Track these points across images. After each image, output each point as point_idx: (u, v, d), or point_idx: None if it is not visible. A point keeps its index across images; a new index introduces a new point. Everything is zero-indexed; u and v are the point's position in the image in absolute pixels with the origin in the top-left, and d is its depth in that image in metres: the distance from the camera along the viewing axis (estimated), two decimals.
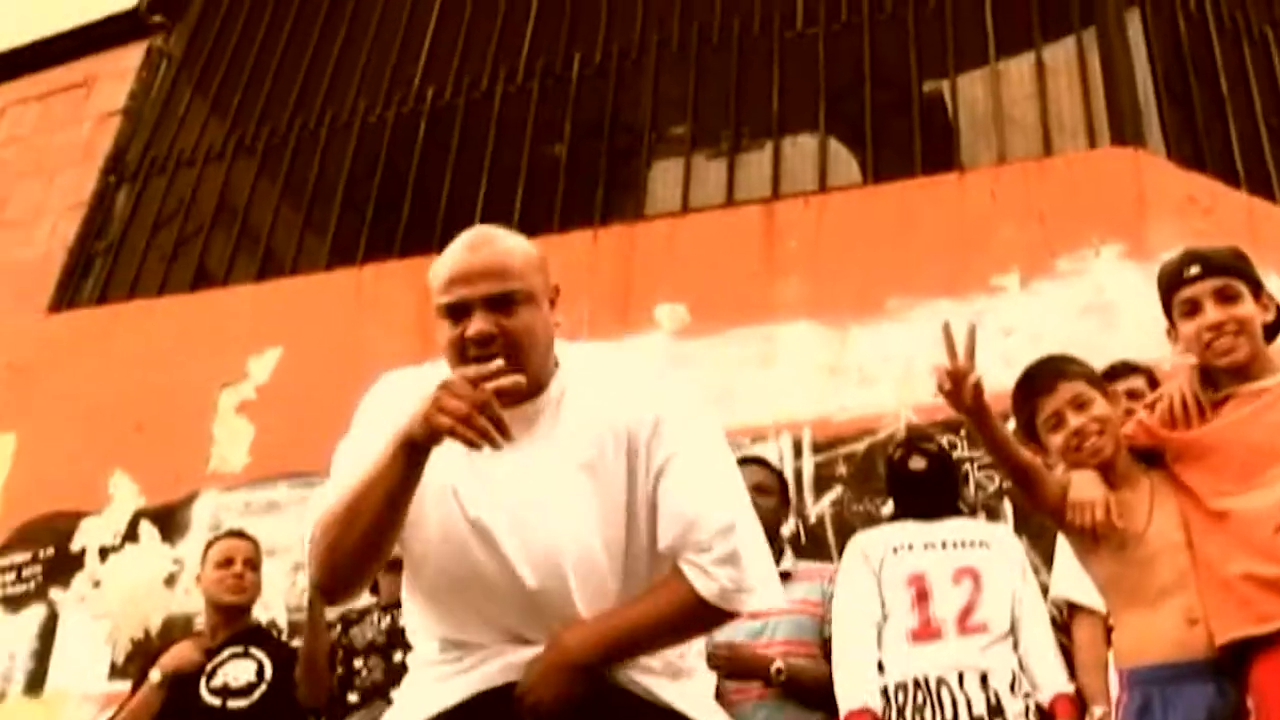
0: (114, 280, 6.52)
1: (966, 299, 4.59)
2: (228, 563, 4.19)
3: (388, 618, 4.13)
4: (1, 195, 7.22)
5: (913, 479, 3.83)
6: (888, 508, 4.26)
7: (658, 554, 1.98)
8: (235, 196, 6.54)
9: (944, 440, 4.09)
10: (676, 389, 2.11)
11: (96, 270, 6.64)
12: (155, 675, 4.02)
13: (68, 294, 6.56)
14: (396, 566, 4.18)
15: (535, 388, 1.98)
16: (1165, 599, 2.69)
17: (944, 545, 3.71)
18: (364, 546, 1.91)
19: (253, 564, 4.25)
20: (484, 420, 1.76)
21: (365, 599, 4.39)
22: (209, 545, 4.36)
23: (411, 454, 1.85)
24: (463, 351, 1.95)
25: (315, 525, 1.96)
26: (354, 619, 4.25)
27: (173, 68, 7.25)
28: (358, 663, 4.10)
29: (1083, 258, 4.60)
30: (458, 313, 1.97)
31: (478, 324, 1.94)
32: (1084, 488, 2.74)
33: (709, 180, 5.53)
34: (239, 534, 4.44)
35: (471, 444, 1.77)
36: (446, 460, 1.92)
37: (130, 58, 7.37)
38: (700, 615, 1.96)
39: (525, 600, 1.95)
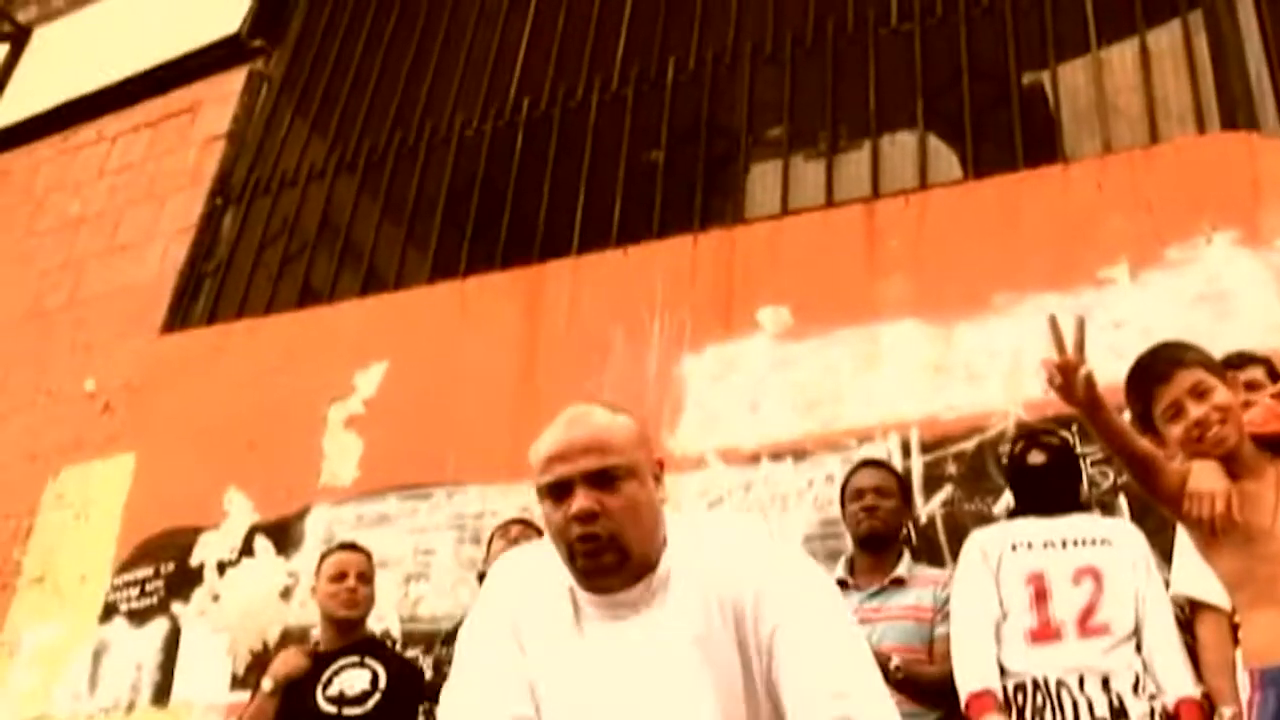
0: (223, 300, 6.68)
1: (1074, 292, 4.51)
2: (341, 577, 4.26)
3: None
4: (114, 220, 7.43)
5: (1032, 474, 3.79)
6: (1000, 506, 4.23)
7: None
8: (338, 214, 6.66)
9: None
10: (785, 556, 2.05)
11: (206, 291, 6.80)
12: (267, 684, 4.10)
13: (179, 315, 6.73)
14: None
15: (644, 567, 1.96)
16: None
17: (1064, 544, 3.65)
18: None
19: (365, 577, 4.31)
20: None
21: None
22: (323, 558, 4.43)
23: None
24: (567, 531, 1.93)
25: None
26: None
27: (273, 90, 7.41)
28: None
29: (1194, 246, 4.49)
30: (559, 492, 1.95)
31: (579, 501, 1.91)
32: (1204, 478, 2.66)
33: (808, 181, 5.51)
34: (351, 546, 4.51)
35: None
36: (558, 644, 1.94)
37: (233, 82, 7.55)
38: None
39: None
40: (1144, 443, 2.71)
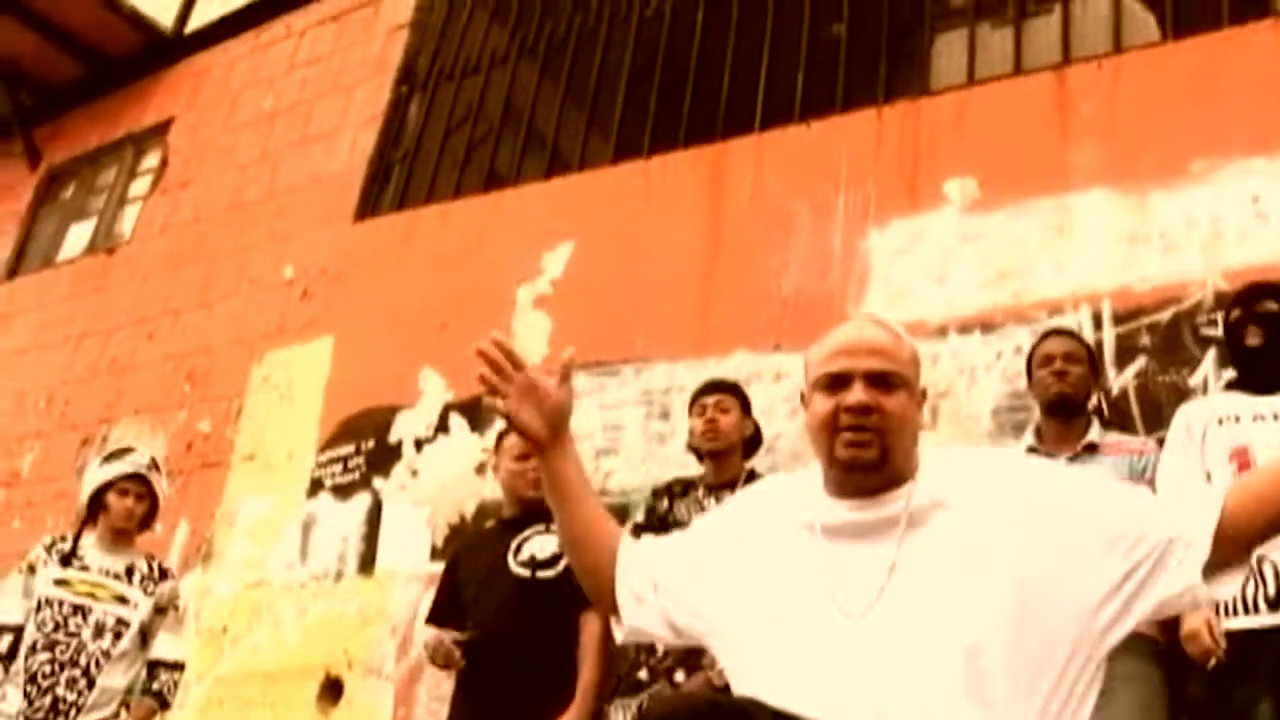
0: (411, 187, 6.93)
1: None
2: (525, 457, 4.35)
3: (712, 499, 4.21)
4: (306, 113, 7.74)
5: (1249, 353, 3.72)
6: (1197, 377, 4.17)
7: (1049, 637, 1.86)
8: (520, 99, 6.80)
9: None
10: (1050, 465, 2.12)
11: (395, 178, 7.06)
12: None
13: (370, 202, 7.01)
14: (718, 455, 4.34)
15: (899, 480, 1.99)
16: None
17: (1275, 417, 3.59)
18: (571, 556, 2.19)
19: None
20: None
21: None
22: (501, 436, 4.57)
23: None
24: (835, 421, 1.97)
25: None
26: (679, 493, 4.38)
27: None
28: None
29: None
30: (837, 383, 1.99)
31: (858, 394, 1.96)
32: None
33: (994, 49, 5.42)
34: None
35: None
36: (805, 551, 1.98)
37: None
38: None
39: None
40: None
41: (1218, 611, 3.41)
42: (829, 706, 1.78)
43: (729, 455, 4.34)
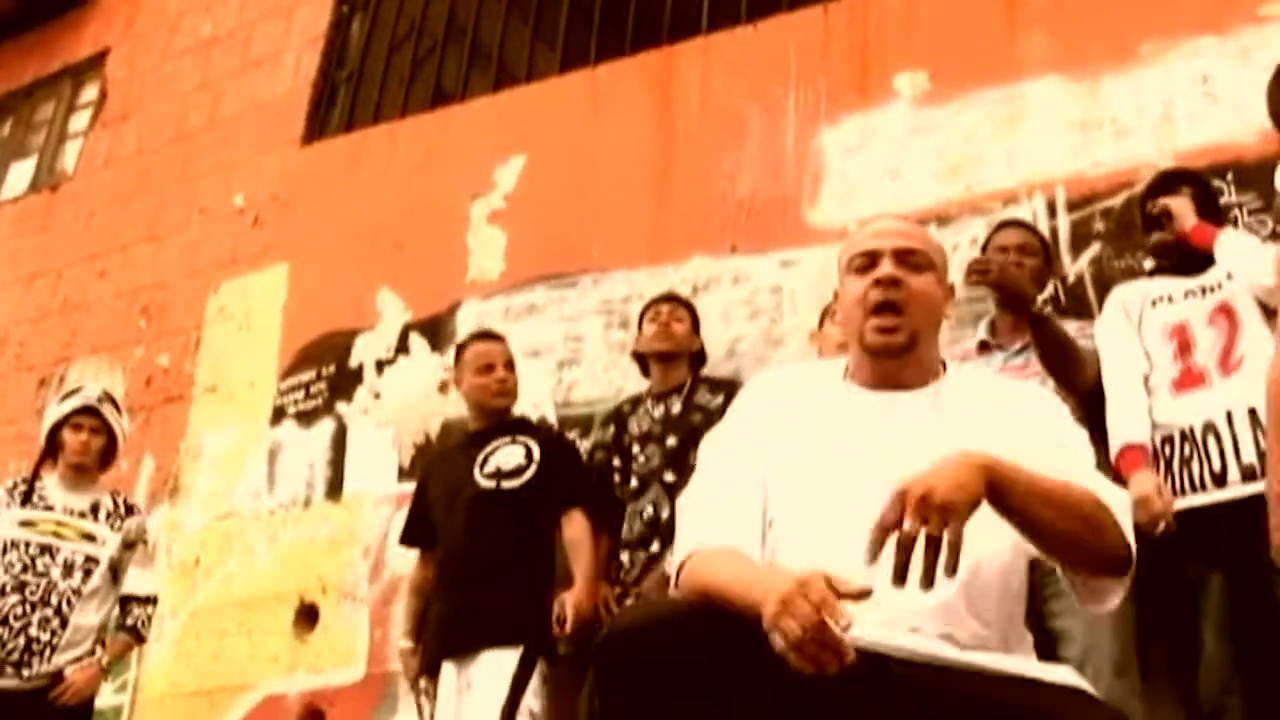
0: (358, 107, 6.85)
1: (1231, 33, 4.37)
2: (489, 368, 4.45)
3: (660, 406, 4.39)
4: (246, 37, 7.61)
5: (1168, 243, 3.77)
6: (1149, 264, 4.20)
7: (1020, 558, 1.98)
8: (464, 13, 6.72)
9: (1211, 184, 3.98)
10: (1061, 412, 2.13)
11: (341, 99, 6.98)
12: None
13: (317, 125, 6.93)
14: (667, 360, 4.43)
15: (924, 365, 2.08)
16: None
17: (1203, 291, 3.66)
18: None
19: (510, 365, 4.52)
20: (816, 648, 1.64)
21: (634, 390, 4.65)
22: (461, 348, 4.61)
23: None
24: (865, 299, 2.05)
25: (685, 568, 1.98)
26: (627, 410, 4.52)
27: None
28: (635, 450, 4.38)
29: None
30: (867, 262, 2.08)
31: (886, 268, 2.05)
32: None
33: None
34: (490, 335, 4.68)
35: (805, 670, 1.66)
36: (826, 420, 2.04)
37: None
38: (1108, 524, 1.87)
39: None
40: None
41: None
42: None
43: (677, 362, 4.45)
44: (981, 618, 1.92)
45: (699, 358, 4.56)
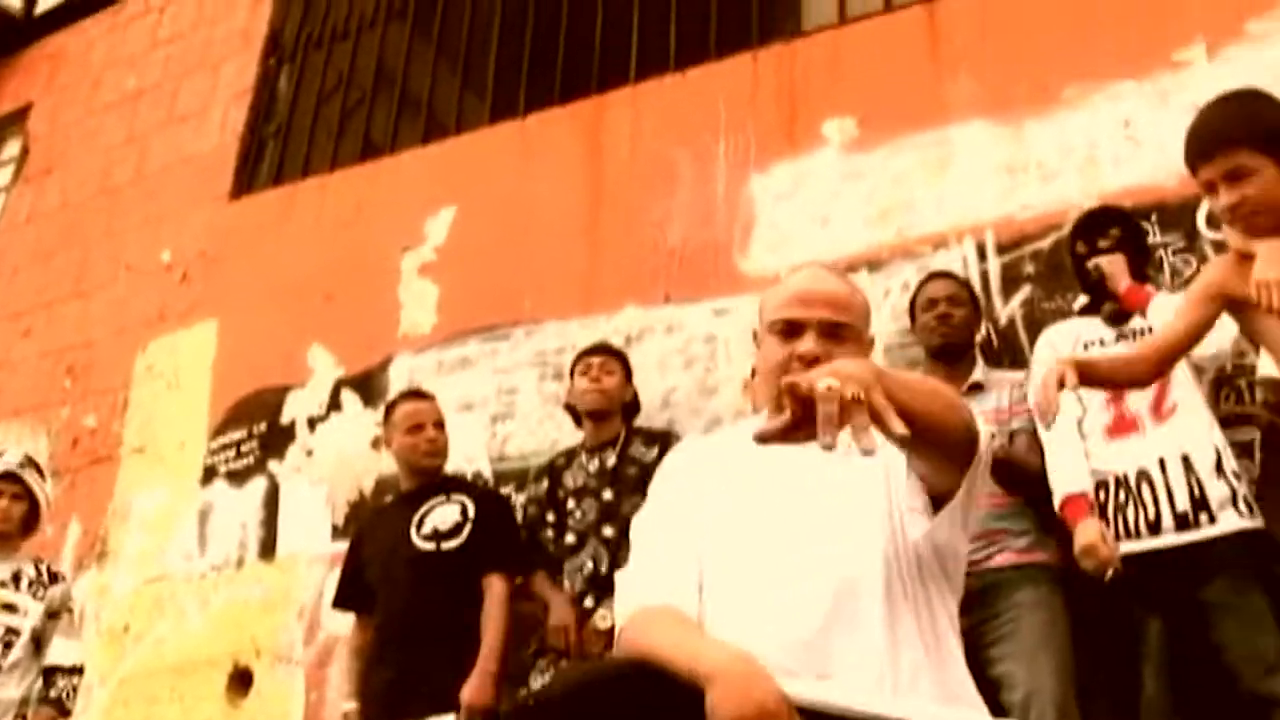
0: (287, 161, 6.80)
1: (1149, 78, 4.46)
2: (418, 428, 4.44)
3: (595, 460, 4.37)
4: (172, 91, 7.54)
5: (1097, 285, 3.81)
6: (1080, 301, 4.24)
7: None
8: (392, 62, 6.70)
9: (1139, 224, 4.02)
10: None
11: (270, 153, 6.92)
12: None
13: (246, 179, 6.87)
14: (600, 415, 4.39)
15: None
16: None
17: (1135, 335, 3.70)
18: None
19: (440, 424, 4.50)
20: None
21: (570, 443, 4.61)
22: (391, 408, 4.60)
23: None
24: (786, 369, 2.02)
25: (625, 630, 1.98)
26: (562, 464, 4.48)
27: None
28: (570, 504, 4.34)
29: (1277, 17, 4.38)
30: (791, 331, 2.07)
31: (809, 344, 2.03)
32: (1271, 265, 2.62)
33: None
34: (419, 394, 4.67)
35: None
36: (743, 463, 2.04)
37: None
38: (958, 405, 1.90)
39: None
40: (1160, 345, 2.90)
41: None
42: (767, 605, 1.89)
43: (610, 416, 4.44)
44: (916, 667, 1.90)
45: (633, 408, 4.53)
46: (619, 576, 2.17)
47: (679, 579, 2.03)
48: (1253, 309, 2.69)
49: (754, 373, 4.17)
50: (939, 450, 1.90)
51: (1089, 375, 2.76)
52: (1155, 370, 2.94)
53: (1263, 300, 2.60)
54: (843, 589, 1.90)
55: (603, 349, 4.61)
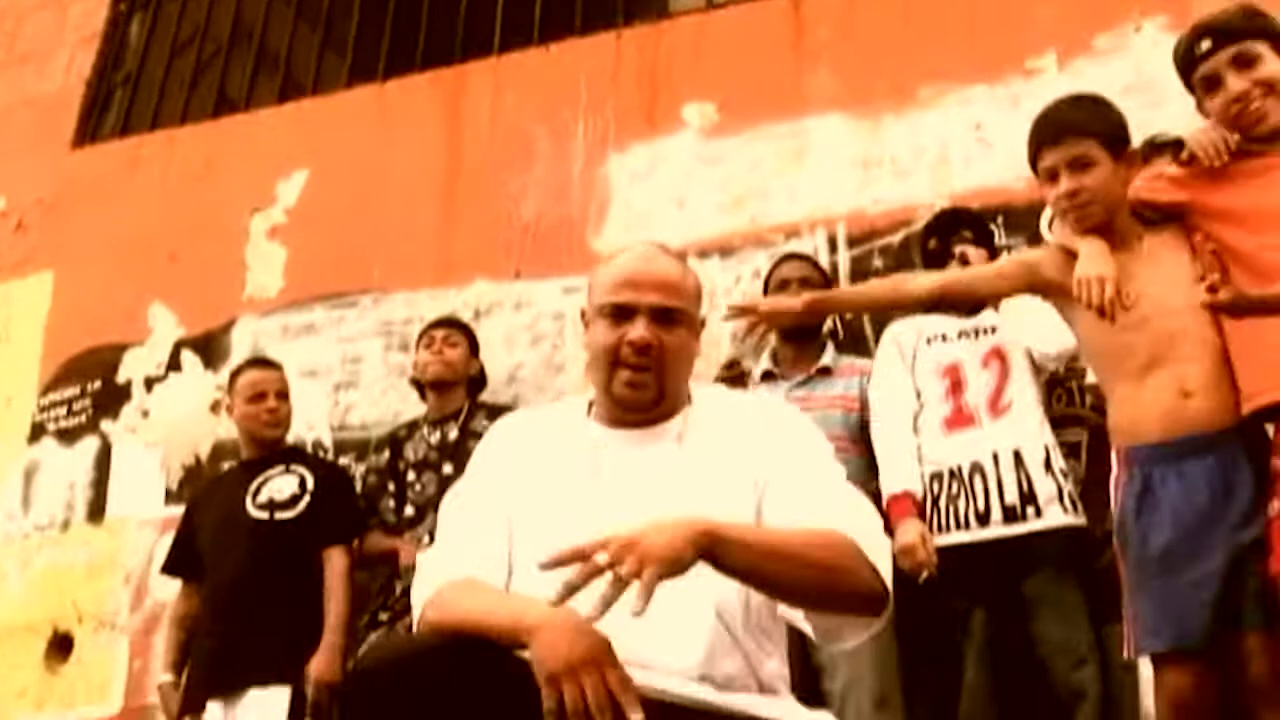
0: (135, 111, 6.57)
1: (1002, 82, 4.58)
2: (259, 397, 4.40)
3: (437, 433, 4.36)
4: (12, 30, 7.23)
5: None
6: None
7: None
8: (250, 17, 6.52)
9: (988, 225, 4.12)
10: (806, 436, 2.12)
11: (117, 102, 6.69)
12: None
13: (89, 128, 6.62)
14: (442, 387, 4.36)
15: (670, 411, 2.08)
16: (1155, 370, 2.69)
17: (976, 334, 3.80)
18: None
19: (283, 394, 4.47)
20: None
21: (413, 415, 4.57)
22: (234, 376, 4.56)
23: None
24: (616, 353, 2.03)
25: (430, 605, 1.95)
26: (403, 436, 4.46)
27: None
28: (410, 476, 4.32)
29: (1123, 34, 4.53)
30: (621, 315, 2.05)
31: (640, 330, 2.02)
32: (1093, 262, 2.72)
33: None
34: (264, 363, 4.63)
35: None
36: (573, 481, 2.02)
37: None
38: (853, 567, 1.86)
39: None
40: (923, 284, 3.02)
41: (933, 528, 3.58)
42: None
43: (453, 388, 4.43)
44: (737, 657, 1.92)
45: (478, 382, 4.52)
46: (420, 556, 2.14)
47: (486, 559, 2.00)
48: (1070, 303, 2.78)
49: None
50: (815, 610, 1.91)
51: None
52: (931, 295, 3.05)
53: (1082, 296, 2.68)
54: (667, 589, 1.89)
55: (447, 322, 4.60)
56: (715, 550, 1.74)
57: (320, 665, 3.94)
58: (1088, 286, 2.67)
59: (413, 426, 4.46)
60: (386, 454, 4.44)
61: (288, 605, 4.09)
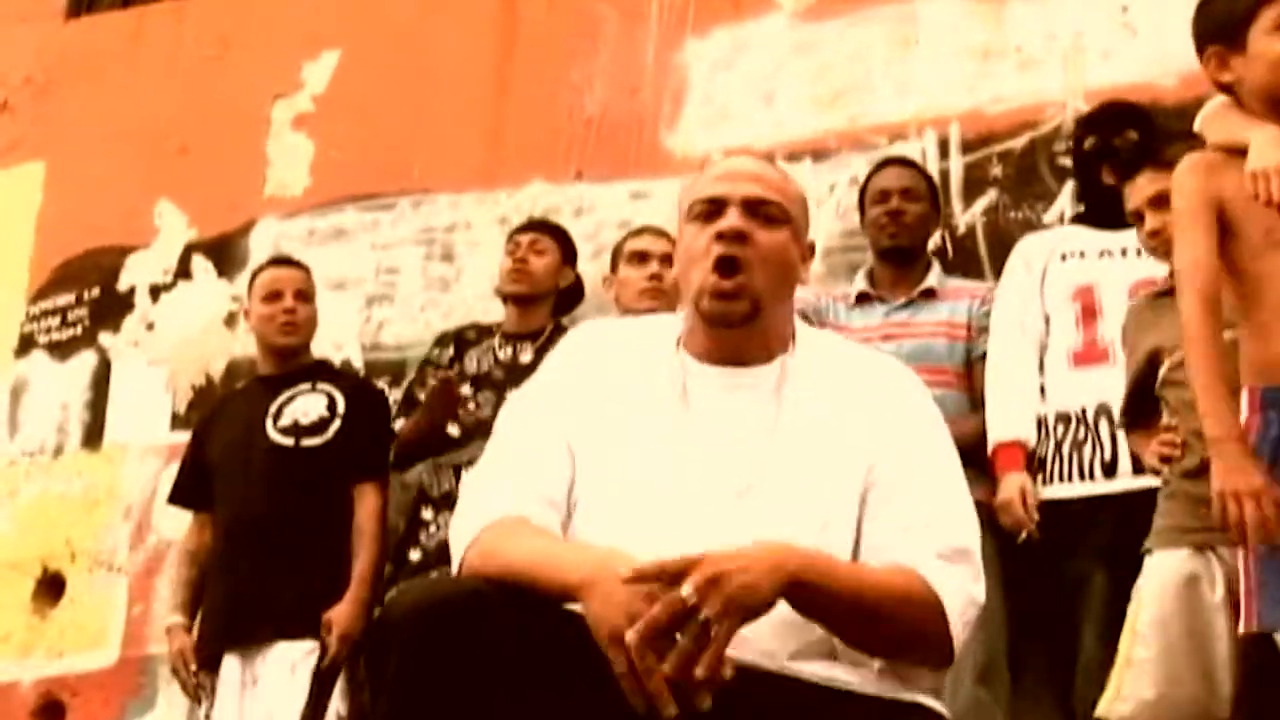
0: None
1: None
2: (275, 296, 4.42)
3: (509, 348, 4.34)
4: None
5: (1102, 190, 3.84)
6: (1052, 213, 4.33)
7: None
8: None
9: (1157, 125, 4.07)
10: (927, 416, 2.15)
11: None
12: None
13: None
14: (524, 301, 4.25)
15: (769, 339, 2.10)
16: None
17: (1124, 253, 3.76)
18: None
19: (304, 295, 4.48)
20: (654, 687, 1.71)
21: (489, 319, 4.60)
22: (254, 276, 4.62)
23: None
24: (706, 253, 2.04)
25: (472, 548, 1.99)
26: (471, 339, 4.46)
27: None
28: (465, 390, 4.31)
29: None
30: (711, 210, 2.07)
31: (732, 219, 2.04)
32: (1272, 150, 2.67)
33: None
34: (285, 261, 4.69)
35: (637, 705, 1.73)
36: (656, 412, 2.06)
37: None
38: (927, 632, 1.94)
39: None
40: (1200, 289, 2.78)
41: (1049, 479, 3.62)
42: None
43: (536, 303, 4.41)
44: (816, 626, 1.96)
45: (571, 296, 4.54)
46: (468, 476, 2.19)
47: (541, 493, 2.05)
48: (1229, 214, 2.76)
49: (614, 265, 4.31)
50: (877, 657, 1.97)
51: None
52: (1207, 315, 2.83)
53: (1258, 192, 2.64)
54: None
55: (536, 225, 4.58)
56: (797, 596, 1.82)
57: (342, 618, 4.03)
58: (1264, 179, 2.62)
59: (484, 332, 4.47)
60: (450, 351, 4.47)
61: (316, 545, 4.16)
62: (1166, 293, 3.21)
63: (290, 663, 4.03)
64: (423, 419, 4.29)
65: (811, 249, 2.22)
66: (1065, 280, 3.81)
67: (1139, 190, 2.92)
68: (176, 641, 4.35)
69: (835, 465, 2.02)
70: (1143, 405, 3.35)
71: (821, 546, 1.93)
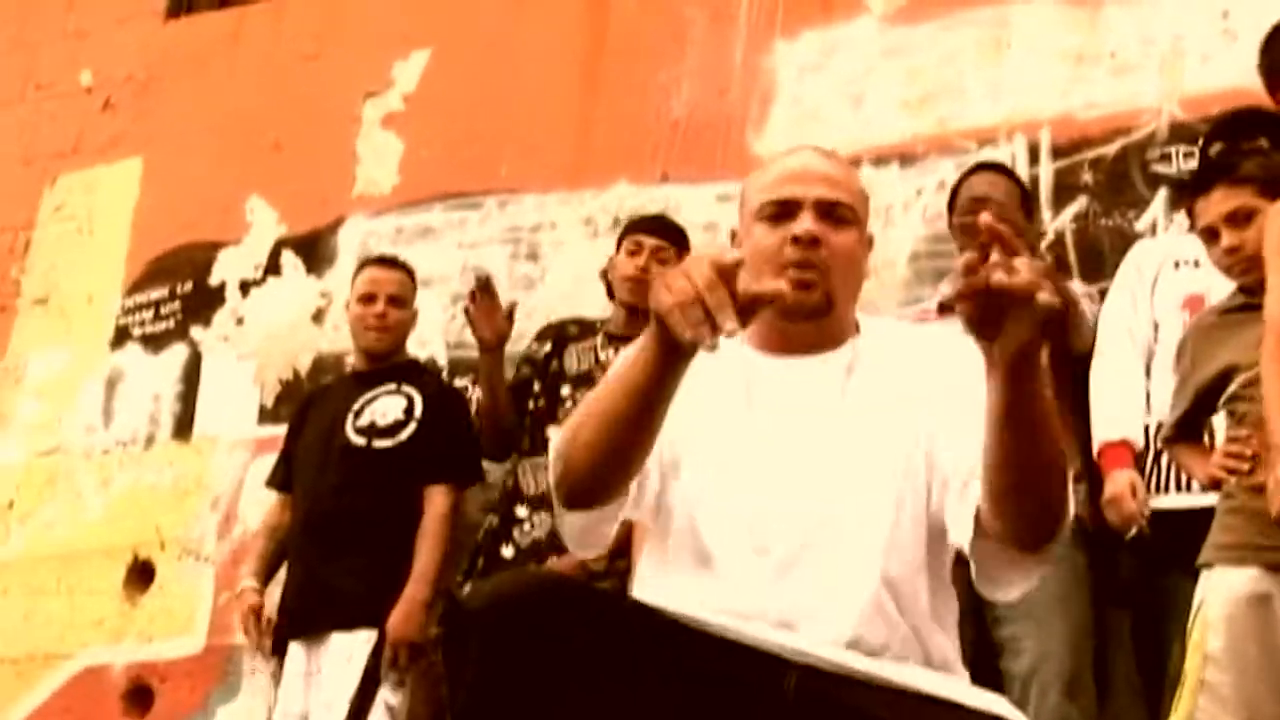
0: None
1: None
2: (369, 299, 4.44)
3: (612, 350, 4.14)
4: None
5: None
6: (1144, 221, 4.24)
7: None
8: None
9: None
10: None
11: None
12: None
13: None
14: (638, 311, 4.24)
15: (837, 330, 2.09)
16: None
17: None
18: (607, 446, 1.87)
19: (399, 300, 4.48)
20: (709, 305, 1.64)
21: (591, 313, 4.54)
22: (359, 269, 4.66)
23: (659, 347, 1.76)
24: (778, 255, 2.03)
25: (556, 446, 1.98)
26: (574, 335, 4.38)
27: None
28: (565, 391, 4.25)
29: None
30: (783, 212, 2.06)
31: (806, 224, 2.02)
32: None
33: None
34: (388, 261, 4.67)
35: (682, 336, 1.67)
36: (721, 411, 2.05)
37: None
38: (1065, 473, 1.79)
39: None
40: None
41: (1151, 488, 3.52)
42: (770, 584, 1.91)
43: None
44: (899, 628, 1.94)
45: None
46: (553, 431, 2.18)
47: None
48: None
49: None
50: (1016, 512, 1.79)
51: None
52: None
53: None
54: (825, 536, 1.95)
55: (662, 228, 4.35)
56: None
57: (397, 620, 4.03)
58: None
59: (586, 329, 4.38)
60: (549, 347, 4.40)
61: (380, 543, 4.17)
62: (1238, 308, 3.18)
63: (348, 654, 4.05)
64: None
65: (871, 241, 2.21)
66: (1177, 288, 3.74)
67: (1214, 206, 2.86)
68: (247, 600, 4.41)
69: (900, 437, 2.01)
70: (1196, 421, 3.29)
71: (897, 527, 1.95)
